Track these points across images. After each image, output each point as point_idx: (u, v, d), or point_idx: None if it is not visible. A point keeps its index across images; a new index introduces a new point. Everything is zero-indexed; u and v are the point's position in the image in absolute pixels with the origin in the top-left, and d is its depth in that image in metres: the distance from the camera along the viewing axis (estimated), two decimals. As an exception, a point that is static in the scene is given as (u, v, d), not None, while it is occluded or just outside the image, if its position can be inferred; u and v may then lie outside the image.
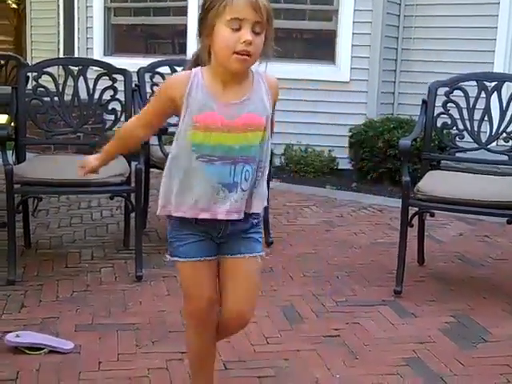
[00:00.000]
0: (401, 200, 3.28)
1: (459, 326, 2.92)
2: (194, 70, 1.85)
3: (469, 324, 2.94)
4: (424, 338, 2.77)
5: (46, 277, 3.34)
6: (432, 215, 3.50)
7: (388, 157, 5.85)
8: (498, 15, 6.29)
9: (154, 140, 3.82)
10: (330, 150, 6.33)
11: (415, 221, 3.41)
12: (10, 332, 2.60)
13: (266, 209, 2.08)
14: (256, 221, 1.95)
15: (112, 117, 3.84)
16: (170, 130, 3.99)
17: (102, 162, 2.11)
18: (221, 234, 1.91)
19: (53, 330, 2.72)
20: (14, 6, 14.24)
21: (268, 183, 2.03)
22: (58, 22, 9.13)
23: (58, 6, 9.12)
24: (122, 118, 3.81)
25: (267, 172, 1.93)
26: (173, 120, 4.16)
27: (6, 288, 3.14)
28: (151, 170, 4.08)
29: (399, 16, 6.80)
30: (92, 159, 2.11)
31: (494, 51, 6.33)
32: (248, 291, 1.98)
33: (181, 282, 2.01)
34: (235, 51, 1.74)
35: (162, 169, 3.79)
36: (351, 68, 6.54)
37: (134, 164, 3.43)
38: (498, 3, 6.28)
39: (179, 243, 1.93)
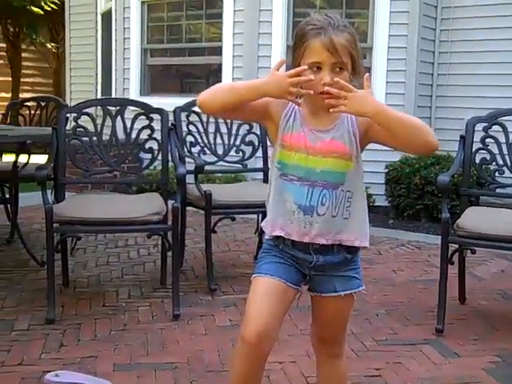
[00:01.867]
0: (440, 237, 3.23)
1: (505, 366, 2.83)
2: None
3: (514, 364, 2.86)
4: (468, 379, 2.70)
5: (84, 316, 3.35)
6: (473, 252, 3.43)
7: (425, 193, 5.80)
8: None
9: (190, 178, 3.84)
10: (366, 187, 6.28)
11: (455, 258, 3.35)
12: (50, 371, 2.59)
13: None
14: (350, 256, 1.94)
15: (149, 156, 3.88)
16: (207, 168, 4.04)
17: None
18: (312, 264, 1.90)
19: (91, 369, 2.71)
20: (54, 49, 14.64)
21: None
22: (96, 64, 9.38)
23: (96, 48, 9.38)
24: (159, 157, 3.85)
25: (362, 206, 1.93)
26: (210, 159, 4.22)
27: (45, 327, 3.15)
28: (188, 208, 4.09)
29: (434, 52, 6.82)
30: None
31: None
32: (338, 326, 2.04)
33: (247, 300, 1.90)
34: (319, 92, 1.78)
35: (198, 207, 3.90)
36: (386, 104, 6.51)
37: (170, 202, 3.44)
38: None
39: (264, 261, 1.93)
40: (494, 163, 3.61)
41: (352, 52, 1.80)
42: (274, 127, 1.91)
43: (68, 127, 3.91)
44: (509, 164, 3.59)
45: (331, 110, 1.76)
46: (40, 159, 3.74)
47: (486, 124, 3.62)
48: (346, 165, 1.86)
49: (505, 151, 3.60)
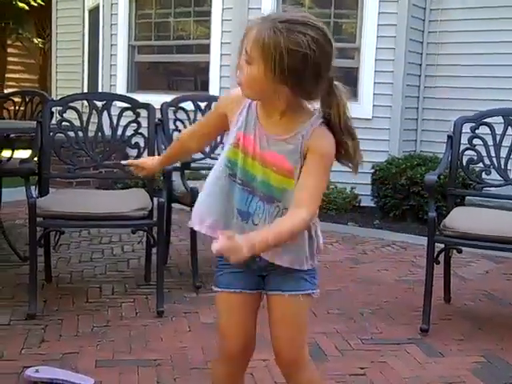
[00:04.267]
0: (426, 236, 3.22)
1: (489, 366, 2.82)
2: None
3: (499, 364, 2.85)
4: (453, 379, 2.69)
5: (66, 311, 3.31)
6: (459, 252, 3.43)
7: (411, 194, 5.80)
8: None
9: (176, 175, 3.81)
10: (352, 188, 6.28)
11: (441, 258, 3.34)
12: (30, 367, 2.56)
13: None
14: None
15: (135, 151, 3.85)
16: (193, 165, 4.01)
17: (156, 167, 2.16)
18: (256, 265, 1.77)
19: (73, 365, 2.67)
20: (40, 45, 14.53)
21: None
22: (83, 60, 9.31)
23: (83, 44, 9.31)
24: (145, 153, 3.82)
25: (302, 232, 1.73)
26: (197, 156, 4.19)
27: (27, 322, 3.11)
28: (173, 204, 4.06)
29: (421, 54, 6.83)
30: (148, 160, 2.15)
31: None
32: (285, 332, 1.85)
33: (218, 319, 1.92)
34: None
35: (184, 203, 3.86)
36: (373, 105, 6.55)
37: (155, 198, 3.41)
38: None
39: (221, 271, 1.86)
40: (480, 163, 3.61)
41: (265, 52, 1.57)
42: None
43: (54, 122, 3.87)
44: (495, 164, 3.60)
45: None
46: (24, 154, 3.69)
47: (473, 124, 3.62)
48: (285, 181, 1.70)
49: (492, 152, 3.60)
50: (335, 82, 1.71)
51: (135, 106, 3.87)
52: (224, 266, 1.83)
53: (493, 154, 3.60)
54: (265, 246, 1.61)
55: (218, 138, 4.35)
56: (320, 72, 1.62)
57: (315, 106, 1.73)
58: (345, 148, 1.72)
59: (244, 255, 1.54)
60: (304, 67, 1.58)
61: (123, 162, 2.27)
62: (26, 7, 13.14)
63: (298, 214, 1.64)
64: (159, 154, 3.78)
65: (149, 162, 2.19)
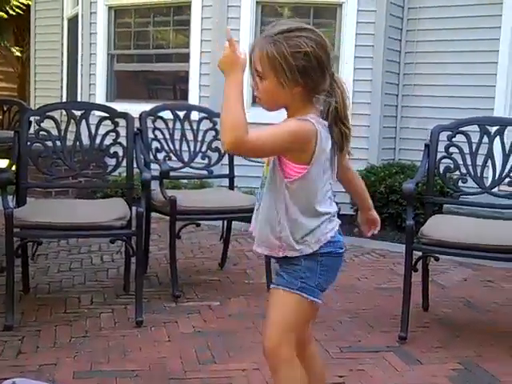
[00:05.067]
0: (404, 244, 3.25)
1: (467, 374, 2.84)
2: None
3: (477, 371, 2.87)
4: (431, 386, 2.71)
5: (44, 322, 3.28)
6: (436, 259, 3.45)
7: (390, 202, 5.84)
8: (497, 62, 6.35)
9: (155, 184, 3.81)
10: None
11: (419, 266, 3.36)
12: (7, 379, 2.52)
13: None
14: (287, 255, 1.95)
15: (113, 161, 3.84)
16: (172, 174, 4.01)
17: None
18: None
19: (50, 376, 2.65)
20: (18, 53, 14.43)
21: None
22: (62, 70, 9.26)
23: (62, 53, 9.27)
24: (124, 163, 3.81)
25: (293, 217, 1.91)
26: (176, 165, 4.19)
27: (3, 334, 3.08)
28: (152, 214, 4.05)
29: (399, 63, 6.89)
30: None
31: (494, 97, 6.38)
32: (268, 319, 1.99)
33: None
34: None
35: (163, 213, 3.86)
36: (352, 114, 6.55)
37: (134, 208, 3.40)
38: (498, 51, 6.35)
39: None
40: (457, 172, 3.65)
41: (270, 64, 1.81)
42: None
43: (31, 131, 3.85)
44: (472, 173, 3.63)
45: None
46: (1, 164, 3.67)
47: (450, 132, 3.65)
48: (268, 172, 1.93)
49: (468, 160, 3.63)
50: (335, 75, 1.91)
51: (113, 115, 3.87)
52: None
53: (469, 162, 3.64)
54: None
55: (197, 148, 4.39)
56: (323, 64, 1.84)
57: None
58: (346, 134, 1.94)
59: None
60: (309, 63, 1.81)
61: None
62: (5, 15, 13.05)
63: (241, 128, 1.74)
64: (138, 164, 3.78)
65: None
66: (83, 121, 3.85)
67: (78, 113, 3.87)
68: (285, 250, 1.93)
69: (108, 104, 4.83)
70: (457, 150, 3.62)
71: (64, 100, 9.06)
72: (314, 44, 1.81)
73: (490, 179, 3.64)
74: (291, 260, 1.95)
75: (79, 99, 8.14)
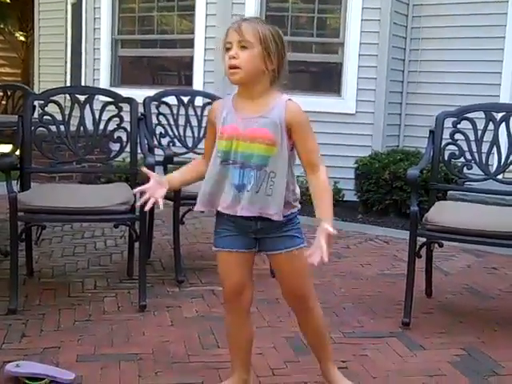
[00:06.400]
0: (409, 230, 3.24)
1: (469, 359, 2.85)
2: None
3: (479, 357, 2.87)
4: (434, 371, 2.71)
5: (47, 306, 3.29)
6: (440, 246, 3.45)
7: (394, 189, 5.83)
8: (503, 49, 6.32)
9: (158, 169, 3.80)
10: (335, 182, 6.30)
11: (423, 252, 3.36)
12: (11, 362, 2.55)
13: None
14: (285, 219, 2.17)
15: (117, 146, 3.83)
16: (176, 159, 4.00)
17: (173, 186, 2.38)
18: (252, 229, 2.19)
19: (54, 360, 2.66)
20: (22, 38, 14.40)
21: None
22: (66, 55, 9.23)
23: (66, 38, 9.24)
24: (127, 148, 3.80)
25: (283, 185, 2.14)
26: (180, 150, 4.19)
27: (7, 317, 3.09)
28: (156, 199, 4.04)
29: (405, 49, 6.86)
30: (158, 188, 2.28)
31: (499, 84, 6.35)
32: (291, 281, 2.27)
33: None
34: (227, 67, 2.10)
35: (167, 198, 3.82)
36: (357, 100, 6.56)
37: (139, 192, 3.39)
38: (504, 37, 6.31)
39: (216, 236, 2.27)
40: (462, 158, 3.63)
41: (261, 37, 2.08)
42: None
43: (35, 116, 3.84)
44: (477, 159, 3.62)
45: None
46: (5, 148, 3.67)
47: (455, 119, 3.63)
48: (269, 149, 2.11)
49: (473, 146, 3.62)
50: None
51: (118, 100, 3.86)
52: (220, 229, 2.24)
53: (474, 148, 3.62)
54: (331, 220, 2.10)
55: (201, 133, 4.38)
56: (285, 53, 2.16)
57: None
58: None
59: (332, 242, 2.09)
60: (284, 50, 2.15)
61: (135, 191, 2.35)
62: (8, 0, 13.00)
63: (321, 175, 2.15)
64: (142, 149, 3.77)
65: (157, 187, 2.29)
66: (87, 105, 3.84)
67: (81, 97, 3.86)
68: (289, 209, 2.18)
69: (112, 89, 4.82)
70: (462, 137, 3.60)
71: (68, 85, 9.04)
72: (280, 36, 2.15)
73: (495, 166, 3.63)
74: (291, 219, 2.20)
75: (83, 84, 8.11)
